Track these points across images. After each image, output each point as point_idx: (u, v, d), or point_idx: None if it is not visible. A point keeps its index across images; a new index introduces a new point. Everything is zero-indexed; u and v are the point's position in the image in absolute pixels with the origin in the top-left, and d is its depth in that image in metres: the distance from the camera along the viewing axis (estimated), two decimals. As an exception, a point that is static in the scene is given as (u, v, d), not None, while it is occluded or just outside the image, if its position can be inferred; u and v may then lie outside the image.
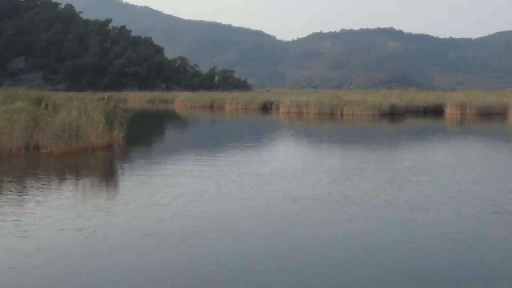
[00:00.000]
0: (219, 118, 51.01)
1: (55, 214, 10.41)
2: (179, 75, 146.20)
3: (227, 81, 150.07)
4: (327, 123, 42.03)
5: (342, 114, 47.56)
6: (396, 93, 60.17)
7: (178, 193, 12.66)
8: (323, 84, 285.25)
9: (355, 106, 47.56)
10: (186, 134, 34.71)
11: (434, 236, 9.39)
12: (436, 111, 52.84)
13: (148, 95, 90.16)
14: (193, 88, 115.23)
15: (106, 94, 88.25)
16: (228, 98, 61.49)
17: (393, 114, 48.22)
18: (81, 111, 20.28)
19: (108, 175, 15.82)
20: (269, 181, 14.35)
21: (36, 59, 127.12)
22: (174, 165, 17.61)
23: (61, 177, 15.06)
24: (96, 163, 18.32)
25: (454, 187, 13.79)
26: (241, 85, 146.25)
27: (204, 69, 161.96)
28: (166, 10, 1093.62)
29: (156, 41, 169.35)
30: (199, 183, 14.11)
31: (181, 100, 68.54)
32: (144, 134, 32.47)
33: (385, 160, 19.99)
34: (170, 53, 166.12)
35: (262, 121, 46.47)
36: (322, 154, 22.16)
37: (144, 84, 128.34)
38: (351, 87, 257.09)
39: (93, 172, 16.29)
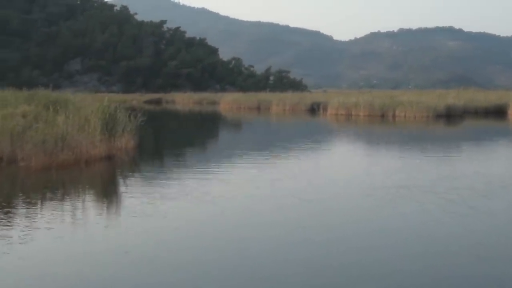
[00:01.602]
0: (262, 121, 47.80)
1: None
2: (233, 76, 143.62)
3: (282, 82, 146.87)
4: (376, 126, 38.37)
5: (394, 115, 43.81)
6: (454, 93, 55.85)
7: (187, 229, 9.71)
8: (380, 85, 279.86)
9: (408, 107, 43.69)
10: (217, 142, 30.76)
11: None
12: (498, 112, 48.59)
13: (195, 96, 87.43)
14: (247, 89, 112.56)
15: (155, 95, 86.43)
16: (275, 99, 58.14)
17: (450, 115, 44.24)
18: (74, 116, 17.27)
19: (88, 198, 12.58)
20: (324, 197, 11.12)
21: (92, 61, 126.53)
22: (183, 185, 14.14)
23: (20, 201, 12.09)
24: (82, 179, 14.91)
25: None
26: (296, 86, 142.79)
27: (261, 70, 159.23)
28: (223, 12, 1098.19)
29: (213, 42, 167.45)
30: (211, 209, 11.02)
31: (226, 101, 65.42)
32: (167, 140, 29.20)
33: (437, 174, 16.37)
34: (227, 54, 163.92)
35: (305, 124, 43.07)
36: (362, 167, 18.68)
37: (198, 85, 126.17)
38: (409, 87, 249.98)
39: (69, 192, 13.19)
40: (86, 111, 18.18)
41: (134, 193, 12.77)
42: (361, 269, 7.80)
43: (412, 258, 8.31)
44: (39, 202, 11.78)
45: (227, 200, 12.07)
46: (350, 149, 24.82)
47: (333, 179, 15.48)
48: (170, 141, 28.54)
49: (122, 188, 13.98)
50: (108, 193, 13.32)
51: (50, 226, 9.72)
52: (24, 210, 10.95)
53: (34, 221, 10.01)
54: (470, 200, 12.15)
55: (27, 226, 9.66)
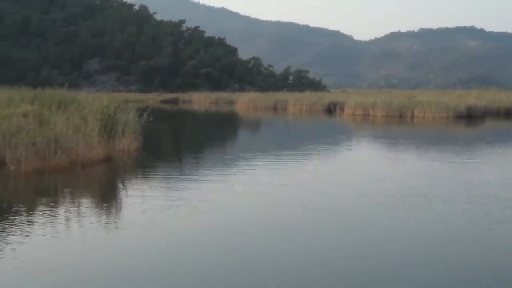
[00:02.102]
0: (276, 121, 46.71)
1: None
2: (252, 76, 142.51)
3: (301, 82, 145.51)
4: (394, 127, 37.11)
5: (412, 116, 42.49)
6: (474, 93, 54.30)
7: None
8: (400, 84, 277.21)
9: (427, 108, 42.33)
10: (227, 144, 29.37)
11: None
12: (521, 113, 47.10)
13: (212, 96, 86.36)
14: (266, 88, 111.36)
15: (171, 95, 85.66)
16: (292, 99, 56.95)
17: (471, 116, 42.83)
18: (73, 117, 16.30)
19: (80, 204, 11.56)
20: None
21: (110, 60, 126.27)
22: (183, 191, 13.07)
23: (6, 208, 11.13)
24: (75, 184, 13.87)
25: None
26: (315, 85, 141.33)
27: (281, 69, 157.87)
28: (243, 11, 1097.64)
29: (233, 42, 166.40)
30: (211, 217, 9.98)
31: (243, 101, 64.29)
32: (175, 142, 28.18)
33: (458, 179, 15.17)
34: (246, 54, 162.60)
35: (321, 125, 41.93)
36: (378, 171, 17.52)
37: (217, 85, 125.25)
38: (430, 87, 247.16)
39: (58, 199, 12.22)
40: (87, 111, 17.17)
41: (130, 199, 11.87)
42: (365, 277, 7.49)
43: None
44: (23, 209, 10.80)
45: (227, 209, 11.06)
46: (366, 152, 23.66)
47: (346, 184, 14.35)
48: (177, 143, 27.53)
49: (117, 194, 13.05)
50: (102, 199, 12.32)
51: (35, 235, 8.83)
52: (8, 219, 9.99)
53: (17, 231, 9.05)
54: (495, 211, 11.02)
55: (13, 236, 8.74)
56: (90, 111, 16.63)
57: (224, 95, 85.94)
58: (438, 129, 35.26)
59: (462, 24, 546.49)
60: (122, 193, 13.03)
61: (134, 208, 10.95)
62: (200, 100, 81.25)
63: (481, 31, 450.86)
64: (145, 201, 11.62)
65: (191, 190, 12.99)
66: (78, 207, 11.09)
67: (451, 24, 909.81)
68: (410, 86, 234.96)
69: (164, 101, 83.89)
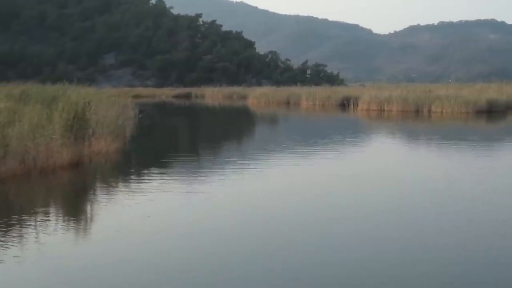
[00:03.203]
0: (286, 117, 44.47)
1: None
2: (269, 70, 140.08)
3: (319, 76, 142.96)
4: (409, 123, 34.67)
5: (430, 111, 39.95)
6: (495, 87, 51.45)
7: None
8: (420, 78, 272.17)
9: (445, 102, 39.73)
10: (226, 145, 27.13)
11: None
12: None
13: (225, 90, 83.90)
14: (284, 83, 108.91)
15: (185, 90, 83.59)
16: (305, 94, 54.41)
17: (492, 111, 40.15)
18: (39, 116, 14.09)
19: (21, 221, 9.42)
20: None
21: (126, 55, 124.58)
22: (158, 203, 11.05)
23: None
24: (24, 196, 11.67)
25: None
26: (333, 79, 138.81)
27: (300, 64, 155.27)
28: (262, 5, 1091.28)
29: (251, 36, 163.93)
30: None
31: (255, 96, 61.81)
32: (168, 141, 25.48)
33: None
34: (265, 49, 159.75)
35: (332, 121, 39.55)
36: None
37: (234, 79, 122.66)
38: (450, 80, 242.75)
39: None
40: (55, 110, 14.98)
41: (92, 212, 9.89)
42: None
43: None
44: None
45: (206, 225, 8.87)
46: (378, 152, 21.27)
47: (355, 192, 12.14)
48: (171, 143, 24.98)
49: (75, 207, 10.91)
50: (49, 212, 10.17)
51: None
52: None
53: None
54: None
55: None
56: (57, 109, 14.43)
57: (237, 89, 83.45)
58: (457, 125, 32.84)
59: (482, 17, 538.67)
60: (78, 205, 10.92)
61: (89, 224, 9.17)
62: (213, 95, 78.86)
63: (502, 24, 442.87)
64: (107, 214, 9.80)
65: (165, 203, 10.84)
66: (14, 224, 8.95)
67: (471, 17, 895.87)
68: (430, 80, 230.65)
69: (176, 96, 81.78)
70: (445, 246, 8.26)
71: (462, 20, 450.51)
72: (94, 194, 12.20)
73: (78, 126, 14.24)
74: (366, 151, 21.16)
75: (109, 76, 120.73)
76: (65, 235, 8.58)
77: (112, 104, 32.69)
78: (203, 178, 14.22)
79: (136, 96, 78.85)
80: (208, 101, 70.83)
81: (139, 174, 14.86)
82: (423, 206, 10.91)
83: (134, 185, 13.00)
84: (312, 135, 28.04)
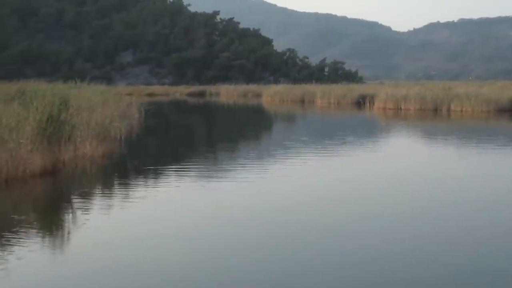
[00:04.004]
0: (298, 116, 42.70)
1: None
2: (287, 68, 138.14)
3: (337, 73, 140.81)
4: (428, 122, 32.80)
5: (449, 110, 38.00)
6: (518, 85, 49.32)
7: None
8: (439, 75, 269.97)
9: (465, 100, 37.73)
10: (221, 151, 25.44)
11: None
12: None
13: (240, 88, 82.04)
14: (301, 80, 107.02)
15: (199, 88, 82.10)
16: (319, 92, 52.49)
17: (515, 110, 38.08)
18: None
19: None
20: None
21: (143, 53, 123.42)
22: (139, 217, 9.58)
23: None
24: None
25: None
26: (351, 77, 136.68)
27: (318, 61, 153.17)
28: (280, 3, 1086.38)
29: (270, 34, 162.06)
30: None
31: (269, 94, 59.95)
32: (164, 146, 22.70)
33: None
34: (283, 47, 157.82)
35: (347, 120, 37.73)
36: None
37: (251, 77, 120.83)
38: (470, 78, 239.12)
39: None
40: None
41: (55, 227, 8.40)
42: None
43: None
44: None
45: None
46: (395, 152, 19.49)
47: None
48: (172, 145, 22.91)
49: (46, 221, 9.37)
50: (13, 229, 8.59)
51: None
52: None
53: None
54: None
55: None
56: (32, 110, 12.84)
57: (252, 87, 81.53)
58: (478, 125, 30.95)
59: (503, 14, 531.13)
60: (47, 220, 9.38)
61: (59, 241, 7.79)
62: (227, 93, 77.08)
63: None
64: (74, 229, 8.40)
65: (144, 218, 9.25)
66: None
67: (492, 14, 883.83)
68: (450, 78, 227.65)
69: (190, 94, 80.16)
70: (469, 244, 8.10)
71: (482, 17, 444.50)
72: (60, 206, 10.67)
73: (52, 128, 12.65)
74: (381, 152, 19.44)
75: (126, 74, 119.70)
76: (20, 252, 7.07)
77: (117, 103, 31.27)
78: (191, 187, 12.60)
79: (150, 94, 77.60)
80: (223, 99, 69.19)
81: (120, 183, 13.25)
82: (446, 207, 10.64)
83: (110, 196, 11.43)
84: (325, 135, 26.27)
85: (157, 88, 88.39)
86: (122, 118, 28.49)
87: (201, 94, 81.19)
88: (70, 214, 9.82)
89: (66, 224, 9.12)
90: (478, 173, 14.72)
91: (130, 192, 11.62)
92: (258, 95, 67.97)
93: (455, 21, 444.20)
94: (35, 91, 22.85)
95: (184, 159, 17.65)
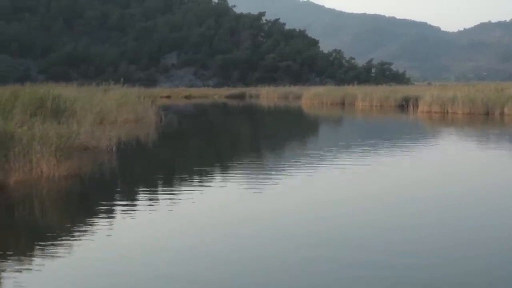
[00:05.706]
0: (333, 120, 39.07)
1: None
2: (333, 69, 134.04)
3: (385, 74, 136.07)
4: (478, 127, 28.82)
5: (502, 113, 33.84)
6: None
7: None
8: (490, 76, 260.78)
9: (520, 103, 33.53)
10: (220, 167, 22.27)
11: None
12: None
13: (281, 90, 78.30)
14: (348, 82, 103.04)
15: (239, 90, 79.01)
16: (361, 94, 48.60)
17: None
18: None
19: None
20: None
21: (188, 55, 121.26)
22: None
23: None
24: None
25: None
26: (399, 78, 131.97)
27: (365, 62, 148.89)
28: (328, 4, 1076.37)
29: (317, 35, 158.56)
30: None
31: (308, 96, 56.27)
32: (171, 158, 18.61)
33: None
34: (331, 48, 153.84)
35: (385, 125, 33.83)
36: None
37: (297, 78, 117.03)
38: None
39: None
40: None
41: None
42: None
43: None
44: None
45: None
46: (443, 160, 15.84)
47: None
48: (177, 159, 18.85)
49: None
50: None
51: None
52: None
53: None
54: None
55: None
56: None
57: (294, 89, 77.77)
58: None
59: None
60: None
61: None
62: (268, 95, 73.62)
63: None
64: None
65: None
66: None
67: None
68: (502, 78, 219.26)
69: (230, 96, 77.02)
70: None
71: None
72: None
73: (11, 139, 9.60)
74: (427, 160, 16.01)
75: (171, 76, 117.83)
76: None
77: (134, 106, 28.37)
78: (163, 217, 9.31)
79: (188, 97, 75.02)
80: (263, 101, 65.93)
81: (63, 210, 10.07)
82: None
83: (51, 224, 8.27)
84: (364, 142, 22.62)
85: (195, 90, 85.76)
86: (138, 124, 25.71)
87: (241, 96, 78.00)
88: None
89: None
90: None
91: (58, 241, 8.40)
92: (299, 97, 64.42)
93: (507, 20, 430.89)
94: (30, 93, 20.06)
95: (176, 185, 14.07)
